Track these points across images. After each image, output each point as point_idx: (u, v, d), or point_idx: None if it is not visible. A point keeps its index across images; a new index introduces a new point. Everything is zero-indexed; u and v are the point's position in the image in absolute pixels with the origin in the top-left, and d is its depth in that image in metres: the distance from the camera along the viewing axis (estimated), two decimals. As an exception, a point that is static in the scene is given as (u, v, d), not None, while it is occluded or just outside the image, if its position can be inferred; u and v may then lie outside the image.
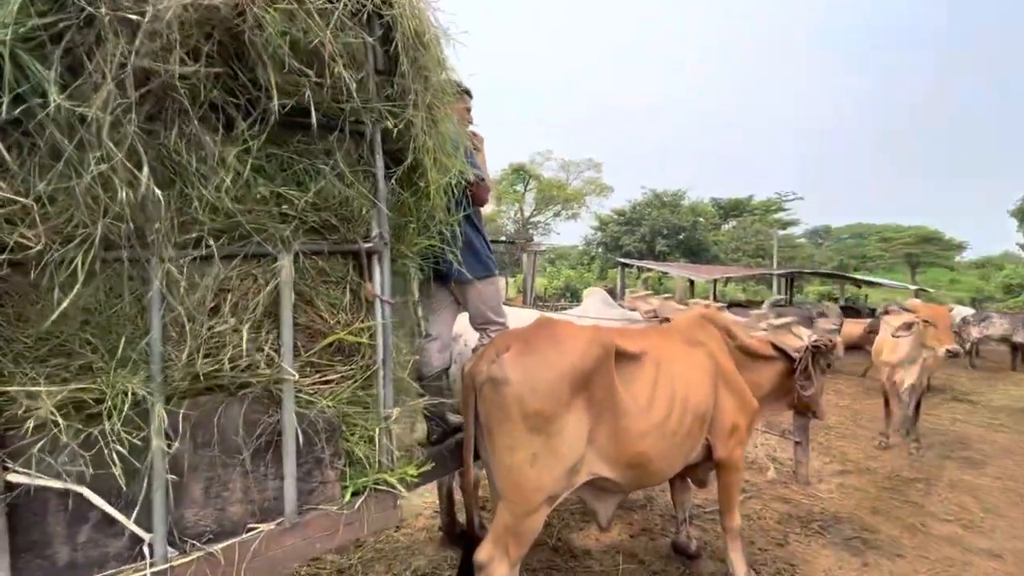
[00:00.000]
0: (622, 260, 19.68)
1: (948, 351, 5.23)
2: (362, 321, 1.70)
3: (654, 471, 2.59)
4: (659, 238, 35.08)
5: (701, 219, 39.09)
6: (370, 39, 1.55)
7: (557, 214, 37.86)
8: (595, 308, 4.21)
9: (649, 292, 4.71)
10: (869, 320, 10.17)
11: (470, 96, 2.81)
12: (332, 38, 1.40)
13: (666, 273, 21.26)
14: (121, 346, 1.24)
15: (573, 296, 24.47)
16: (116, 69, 1.08)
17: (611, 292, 17.25)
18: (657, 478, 2.75)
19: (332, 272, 1.65)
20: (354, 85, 1.46)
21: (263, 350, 1.49)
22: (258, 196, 1.45)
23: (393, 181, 1.76)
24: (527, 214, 37.28)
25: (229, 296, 1.43)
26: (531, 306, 9.53)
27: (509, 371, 2.20)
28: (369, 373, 1.71)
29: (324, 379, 1.63)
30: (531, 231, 36.08)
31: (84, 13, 1.07)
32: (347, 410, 1.66)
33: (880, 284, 21.20)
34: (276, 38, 1.29)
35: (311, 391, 1.59)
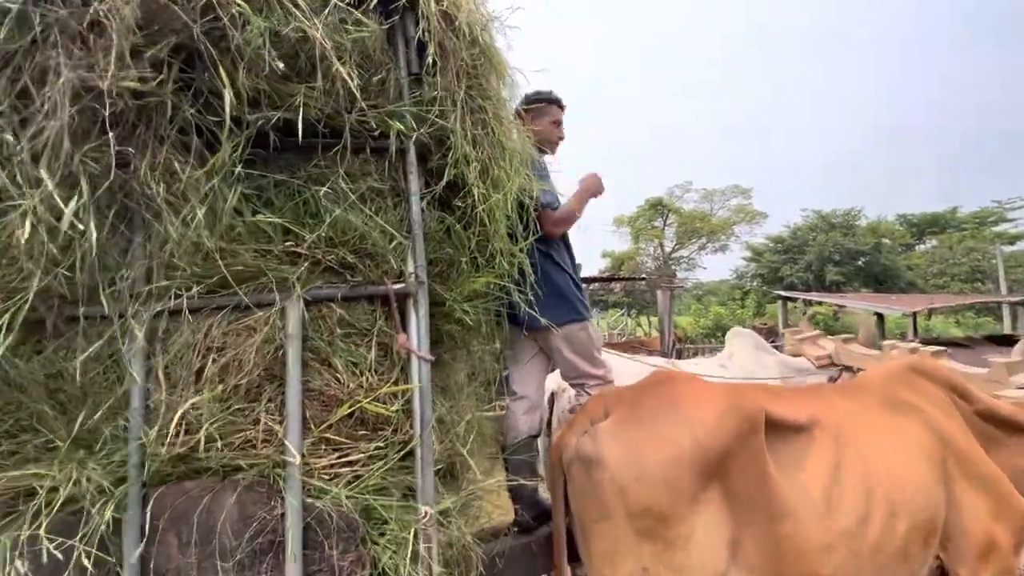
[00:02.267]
0: (783, 293, 16.95)
1: None
2: (393, 383, 1.33)
3: None
4: (829, 265, 30.20)
5: (886, 240, 32.85)
6: (375, 27, 1.24)
7: (702, 247, 35.13)
8: (743, 355, 3.33)
9: (818, 332, 3.65)
10: None
11: (560, 107, 2.41)
12: (327, 31, 1.11)
13: (842, 307, 17.84)
14: (78, 422, 1.03)
15: (725, 336, 21.92)
16: (52, 83, 0.90)
17: (770, 331, 14.90)
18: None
19: (354, 322, 1.32)
20: (357, 88, 1.15)
21: (261, 423, 1.19)
22: (254, 232, 1.19)
23: (432, 205, 1.40)
24: (668, 250, 35.25)
25: (217, 356, 1.16)
26: (670, 351, 8.43)
27: (605, 448, 1.62)
28: (403, 452, 1.32)
29: (343, 460, 1.27)
30: (674, 267, 33.94)
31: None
32: (373, 501, 1.27)
33: None
34: (255, 36, 1.04)
35: (326, 476, 1.24)
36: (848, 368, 3.40)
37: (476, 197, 1.38)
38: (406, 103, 1.32)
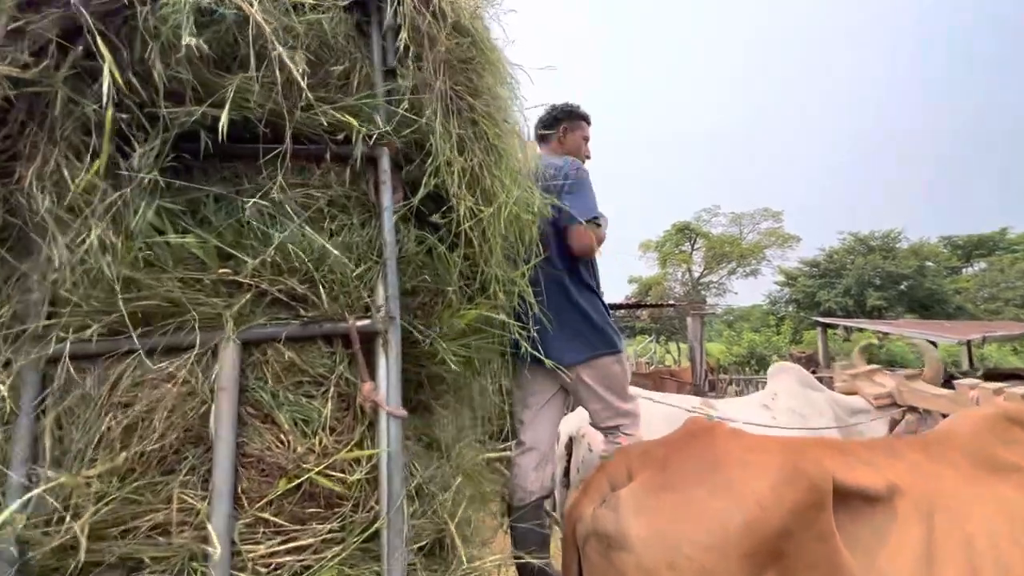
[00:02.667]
0: (822, 319, 16.01)
1: None
2: (355, 445, 1.05)
3: None
4: (870, 290, 28.91)
5: (930, 264, 31.32)
6: (338, 11, 1.01)
7: (732, 272, 34.15)
8: (789, 394, 2.93)
9: (875, 366, 3.21)
10: None
11: (588, 123, 2.18)
12: (272, 12, 0.89)
13: (887, 334, 16.80)
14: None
15: (759, 364, 20.85)
16: None
17: (810, 360, 14.04)
18: None
19: (307, 367, 1.05)
20: (302, 75, 0.92)
21: (175, 500, 0.92)
22: (183, 258, 0.96)
23: (410, 223, 1.15)
24: (696, 275, 34.37)
25: (121, 414, 0.91)
26: (702, 382, 7.83)
27: (629, 524, 1.30)
28: (367, 534, 1.03)
29: (287, 547, 0.99)
30: (703, 293, 33.03)
31: None
32: (325, 602, 0.98)
33: None
34: (170, 12, 0.82)
35: (263, 568, 0.96)
36: (914, 409, 2.95)
37: (462, 212, 1.12)
38: (374, 99, 1.08)
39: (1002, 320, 22.38)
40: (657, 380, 8.57)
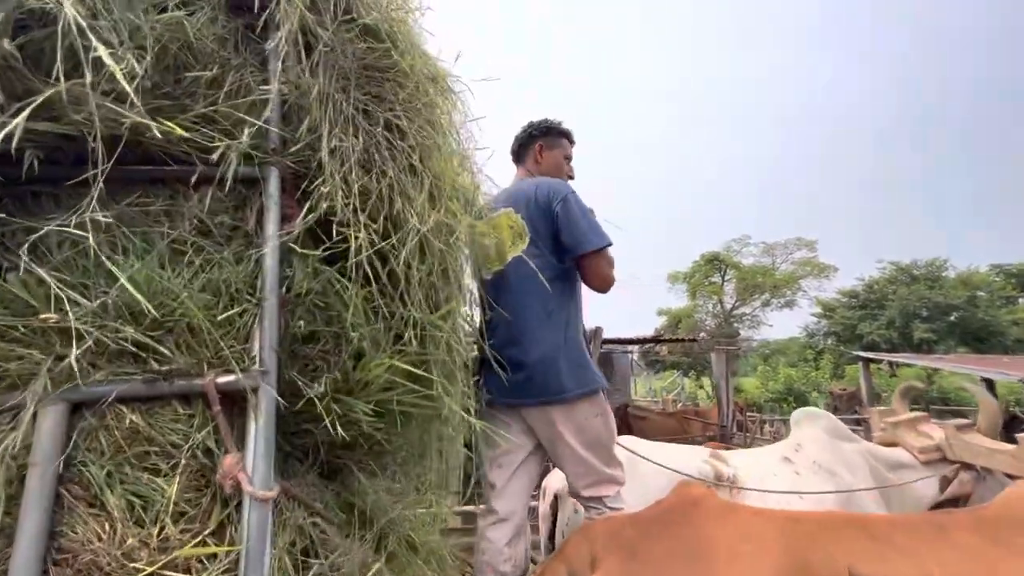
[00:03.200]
0: (864, 354, 14.98)
1: None
2: (209, 535, 0.83)
3: None
4: (916, 322, 27.35)
5: (981, 294, 29.48)
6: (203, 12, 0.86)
7: (766, 303, 32.96)
8: (816, 446, 2.55)
9: (921, 413, 2.80)
10: None
11: (571, 141, 1.99)
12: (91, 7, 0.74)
13: (936, 370, 15.61)
14: None
15: (798, 401, 19.63)
16: None
17: (852, 397, 13.08)
18: None
19: (155, 435, 0.85)
20: (126, 77, 0.75)
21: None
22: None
23: (309, 258, 0.96)
24: (728, 307, 33.30)
25: None
26: (731, 423, 7.19)
27: None
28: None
29: (103, 676, 0.76)
30: (736, 325, 31.91)
31: None
32: None
33: None
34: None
35: None
36: (969, 467, 2.52)
37: (359, 242, 0.92)
38: (238, 110, 0.91)
39: (1069, 354, 20.53)
40: (682, 420, 8.04)
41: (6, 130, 0.72)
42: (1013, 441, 2.41)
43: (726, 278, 33.88)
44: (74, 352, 0.80)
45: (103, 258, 0.83)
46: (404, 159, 1.04)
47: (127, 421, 0.84)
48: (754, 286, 32.71)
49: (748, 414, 11.09)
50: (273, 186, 0.95)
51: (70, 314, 0.78)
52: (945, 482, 2.56)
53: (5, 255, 0.83)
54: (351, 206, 0.92)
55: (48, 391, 0.79)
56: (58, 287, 0.81)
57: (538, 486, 2.03)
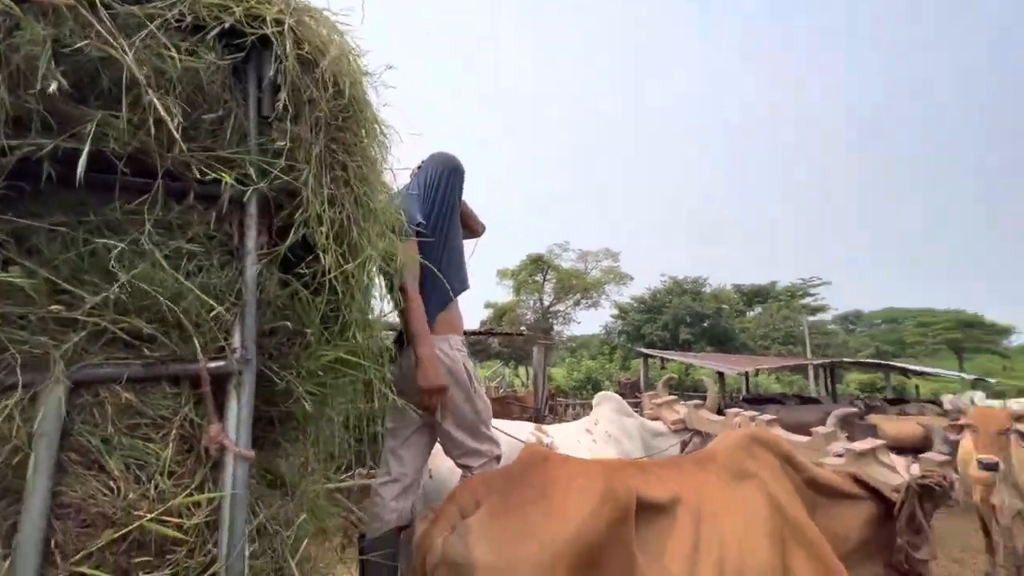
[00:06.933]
0: (644, 351, 18.58)
1: (979, 462, 4.05)
2: (196, 488, 1.04)
3: None
4: (682, 326, 34.14)
5: (725, 306, 38.20)
6: (213, 59, 1.05)
7: (577, 303, 37.46)
8: (608, 420, 3.42)
9: (673, 397, 3.92)
10: (925, 417, 8.68)
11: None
12: (144, 55, 0.90)
13: (691, 365, 20.04)
14: None
15: (595, 389, 23.09)
16: None
17: (634, 385, 16.05)
18: None
19: (146, 410, 1.02)
20: (177, 126, 0.94)
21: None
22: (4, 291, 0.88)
23: (273, 269, 1.19)
24: (546, 304, 36.94)
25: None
26: (544, 407, 8.58)
27: (476, 549, 1.45)
28: (202, 580, 1.01)
29: (108, 600, 0.93)
30: (551, 320, 35.51)
31: None
32: (147, 655, 0.94)
33: (930, 373, 19.42)
34: (25, 43, 0.79)
35: (76, 624, 0.90)
36: (699, 433, 3.67)
37: (329, 263, 1.20)
38: (247, 149, 1.12)
39: (769, 355, 28.25)
40: (504, 406, 9.05)
41: (48, 147, 0.84)
42: (723, 414, 3.61)
43: (547, 278, 37.42)
44: (76, 339, 0.93)
45: (110, 258, 0.97)
46: (357, 197, 1.33)
47: (121, 398, 0.99)
48: (569, 287, 36.81)
49: (557, 399, 12.82)
50: (253, 209, 1.16)
51: (86, 301, 0.92)
52: (683, 445, 3.68)
53: (13, 251, 0.90)
54: (324, 233, 1.19)
55: (55, 373, 0.91)
56: (58, 281, 0.93)
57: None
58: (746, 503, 2.02)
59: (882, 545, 2.41)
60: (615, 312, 39.23)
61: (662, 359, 19.58)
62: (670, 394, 4.11)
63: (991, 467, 4.19)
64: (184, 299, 1.03)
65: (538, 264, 37.07)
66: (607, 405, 3.53)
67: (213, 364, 1.07)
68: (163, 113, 0.90)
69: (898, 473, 2.47)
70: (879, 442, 2.65)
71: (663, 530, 1.75)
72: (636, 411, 4.07)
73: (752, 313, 42.07)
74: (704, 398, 4.44)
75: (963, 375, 19.56)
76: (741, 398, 13.10)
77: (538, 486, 1.60)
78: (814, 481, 2.30)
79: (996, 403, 5.30)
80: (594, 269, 38.26)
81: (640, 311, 37.14)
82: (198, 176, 1.03)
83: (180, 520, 1.00)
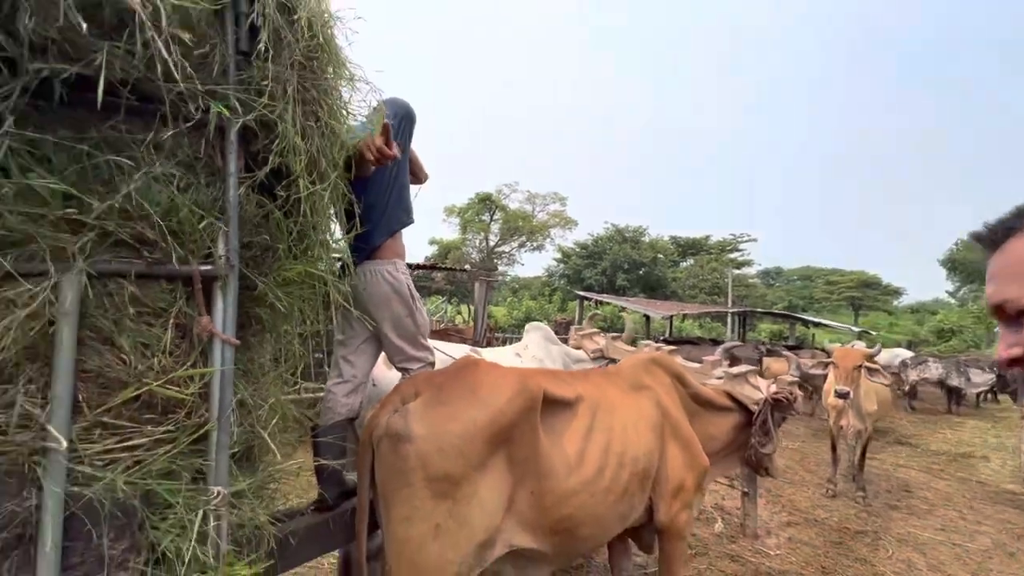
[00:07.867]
0: (581, 293, 19.66)
1: (836, 391, 5.19)
2: (191, 366, 1.29)
3: (585, 536, 2.22)
4: (620, 273, 35.70)
5: (661, 256, 40.11)
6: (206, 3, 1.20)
7: (522, 245, 37.99)
8: (536, 346, 3.87)
9: (595, 330, 4.44)
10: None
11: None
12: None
13: (624, 308, 21.40)
14: None
15: (533, 327, 24.17)
16: None
17: (567, 325, 17.04)
18: (590, 544, 2.37)
19: (148, 301, 1.24)
20: (175, 62, 1.10)
21: (17, 406, 1.06)
22: (22, 193, 1.06)
23: (252, 190, 1.39)
24: (492, 244, 37.19)
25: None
26: (481, 339, 9.13)
27: (413, 424, 1.81)
28: (196, 435, 1.29)
29: (123, 445, 1.20)
30: (496, 261, 35.93)
31: None
32: (157, 486, 1.23)
33: (827, 325, 21.98)
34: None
35: (99, 462, 1.16)
36: (613, 360, 4.23)
37: (301, 188, 1.42)
38: (230, 83, 1.28)
39: (695, 303, 30.51)
40: (444, 336, 9.48)
41: (66, 72, 1.00)
42: (635, 346, 4.18)
43: (494, 218, 37.37)
44: (88, 237, 1.13)
45: (112, 172, 1.15)
46: (325, 128, 1.52)
47: (128, 291, 1.21)
48: (515, 228, 37.05)
49: (495, 333, 13.47)
50: (233, 136, 1.34)
51: (95, 207, 1.11)
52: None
53: (20, 156, 1.06)
54: (299, 162, 1.40)
55: (79, 265, 1.11)
56: (74, 191, 1.11)
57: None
58: (638, 405, 2.53)
59: (742, 444, 3.07)
60: (558, 256, 40.09)
61: (597, 302, 20.76)
62: (592, 327, 4.64)
63: (843, 395, 5.17)
64: (178, 211, 1.24)
65: (486, 203, 36.82)
66: (536, 333, 3.98)
67: (203, 267, 1.29)
68: (162, 48, 1.06)
69: (760, 391, 3.09)
70: (751, 367, 3.26)
71: (565, 419, 2.20)
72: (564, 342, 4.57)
73: (685, 264, 44.62)
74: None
75: (852, 328, 22.29)
76: (660, 338, 14.46)
77: (468, 383, 1.98)
78: (697, 395, 2.86)
79: (859, 343, 6.34)
80: (541, 212, 38.62)
81: (581, 256, 38.15)
82: (192, 107, 1.20)
83: (179, 389, 1.26)
